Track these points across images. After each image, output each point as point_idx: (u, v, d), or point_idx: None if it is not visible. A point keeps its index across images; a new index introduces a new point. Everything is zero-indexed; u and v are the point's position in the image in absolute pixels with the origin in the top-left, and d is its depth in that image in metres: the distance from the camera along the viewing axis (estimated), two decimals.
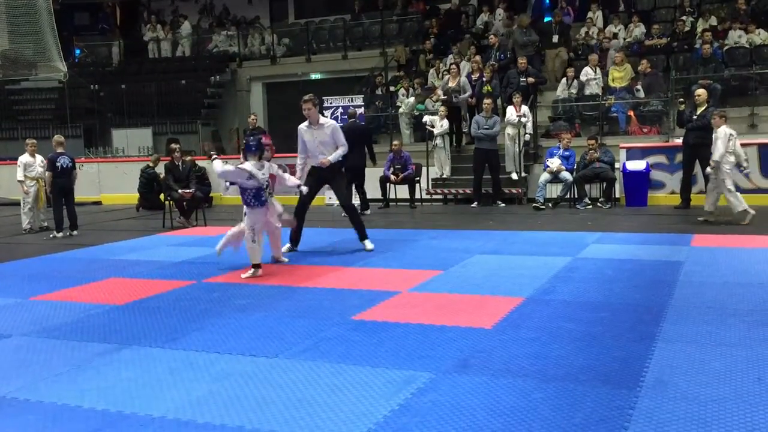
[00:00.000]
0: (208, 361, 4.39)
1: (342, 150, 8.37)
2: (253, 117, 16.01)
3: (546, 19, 17.78)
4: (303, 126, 8.38)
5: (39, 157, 11.74)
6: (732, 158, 9.78)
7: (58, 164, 10.84)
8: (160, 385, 4.01)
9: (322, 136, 8.24)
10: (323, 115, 12.91)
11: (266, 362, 4.34)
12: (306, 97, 8.26)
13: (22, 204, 11.77)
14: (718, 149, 9.69)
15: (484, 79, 14.41)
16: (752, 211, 9.70)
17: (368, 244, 8.42)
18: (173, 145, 12.78)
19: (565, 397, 3.61)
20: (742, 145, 10.46)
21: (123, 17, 26.12)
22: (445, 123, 13.82)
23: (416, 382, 3.91)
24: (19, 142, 19.75)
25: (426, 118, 14.11)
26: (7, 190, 16.58)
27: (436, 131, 13.81)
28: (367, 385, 3.88)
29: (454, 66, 15.08)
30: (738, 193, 9.81)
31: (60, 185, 10.90)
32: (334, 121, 9.12)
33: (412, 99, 15.78)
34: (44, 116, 22.18)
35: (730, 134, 9.72)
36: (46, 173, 11.12)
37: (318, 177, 8.38)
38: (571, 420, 3.35)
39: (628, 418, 3.35)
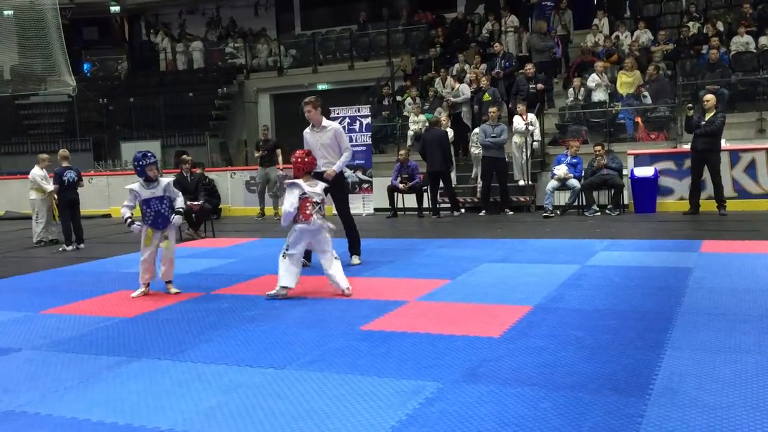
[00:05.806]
0: (216, 373, 4.40)
1: (347, 155, 8.03)
2: (264, 129, 15.65)
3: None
4: (307, 130, 8.10)
5: (45, 172, 11.79)
6: None
7: (65, 178, 10.91)
8: (168, 397, 4.02)
9: (324, 139, 7.93)
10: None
11: (274, 373, 4.34)
12: (306, 99, 7.95)
13: (35, 217, 11.80)
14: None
15: (482, 87, 14.43)
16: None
17: (355, 260, 8.16)
18: (184, 157, 12.83)
19: (574, 406, 3.60)
20: (750, 150, 11.28)
21: (131, 31, 26.34)
22: (450, 132, 13.81)
23: (424, 391, 3.90)
24: (29, 156, 19.90)
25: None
26: (18, 204, 16.69)
27: None
28: (375, 396, 3.88)
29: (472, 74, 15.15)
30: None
31: (66, 198, 10.96)
32: (337, 124, 8.61)
33: (422, 116, 15.47)
34: (54, 130, 22.37)
35: None
36: (52, 185, 11.21)
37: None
38: (580, 429, 3.34)
39: (637, 426, 3.33)
